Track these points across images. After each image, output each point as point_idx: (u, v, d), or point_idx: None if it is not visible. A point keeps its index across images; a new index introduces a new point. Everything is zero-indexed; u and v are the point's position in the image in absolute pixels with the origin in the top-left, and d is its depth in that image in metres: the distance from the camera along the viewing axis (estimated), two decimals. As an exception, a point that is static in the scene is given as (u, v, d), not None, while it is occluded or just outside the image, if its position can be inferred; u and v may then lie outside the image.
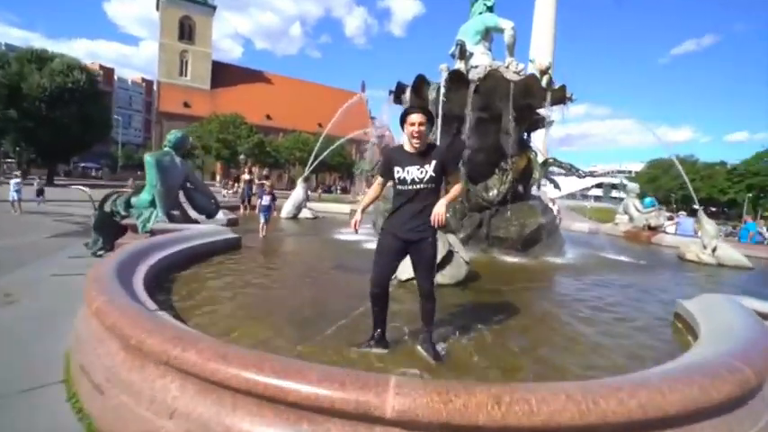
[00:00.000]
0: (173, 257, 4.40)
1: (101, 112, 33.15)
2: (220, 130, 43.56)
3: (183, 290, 3.78)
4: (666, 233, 12.09)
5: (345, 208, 15.24)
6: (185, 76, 66.38)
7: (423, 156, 2.57)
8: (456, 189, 2.69)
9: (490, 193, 7.73)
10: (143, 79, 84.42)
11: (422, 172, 2.55)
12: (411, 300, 3.65)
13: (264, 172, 18.68)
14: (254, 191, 11.87)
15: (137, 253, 3.95)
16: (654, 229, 12.12)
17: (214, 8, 69.21)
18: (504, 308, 3.98)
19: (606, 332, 3.46)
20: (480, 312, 3.76)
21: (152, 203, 6.50)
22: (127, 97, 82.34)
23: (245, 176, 12.21)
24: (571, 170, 7.91)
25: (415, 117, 2.52)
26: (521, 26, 7.80)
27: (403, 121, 2.60)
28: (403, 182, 2.58)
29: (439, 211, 2.47)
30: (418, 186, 2.55)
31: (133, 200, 6.65)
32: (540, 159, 8.13)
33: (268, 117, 68.23)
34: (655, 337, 3.42)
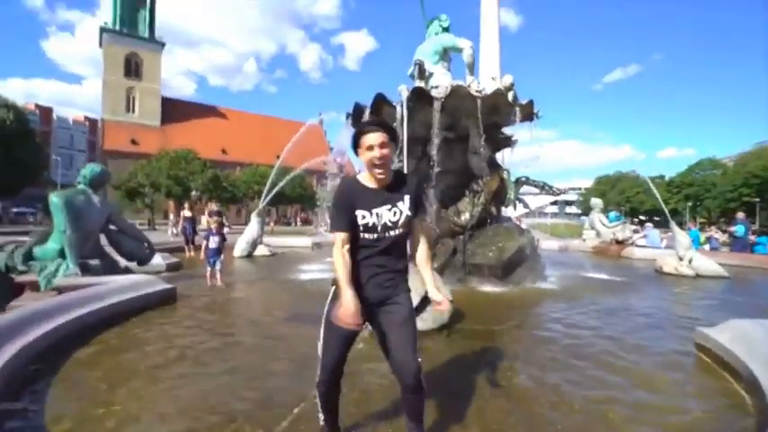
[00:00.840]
0: (67, 327, 3.28)
1: (31, 153, 30.33)
2: (171, 166, 41.18)
3: (66, 381, 2.69)
4: (636, 246, 12.06)
5: (306, 241, 14.21)
6: (132, 112, 63.51)
7: (392, 190, 1.83)
8: (424, 242, 1.93)
9: (462, 217, 7.14)
10: (86, 118, 79.66)
11: (395, 213, 1.81)
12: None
13: (213, 206, 16.95)
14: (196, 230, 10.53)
15: (4, 327, 2.84)
16: (621, 243, 12.08)
17: (162, 45, 67.63)
18: (504, 358, 3.21)
19: (634, 384, 2.76)
20: (476, 367, 2.96)
21: (61, 253, 5.28)
22: (68, 137, 77.00)
23: (186, 213, 10.75)
24: (544, 188, 7.52)
25: (374, 137, 1.75)
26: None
27: (357, 144, 1.82)
28: (371, 229, 1.79)
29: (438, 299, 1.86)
30: (392, 233, 1.81)
31: (36, 250, 5.40)
32: (513, 179, 7.70)
33: (223, 151, 66.26)
34: (691, 385, 2.76)
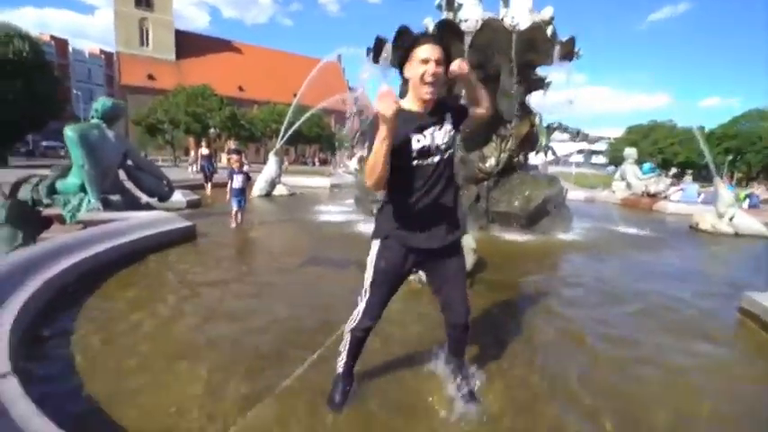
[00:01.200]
0: (88, 262, 3.29)
1: (50, 86, 30.07)
2: (188, 102, 40.55)
3: (92, 311, 2.71)
4: (670, 200, 11.46)
5: (324, 182, 14.09)
6: (147, 46, 61.63)
7: (437, 112, 1.63)
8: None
9: (487, 163, 6.75)
10: (102, 51, 78.03)
11: (444, 134, 1.62)
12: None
13: (232, 144, 16.77)
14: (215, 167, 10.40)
15: (32, 260, 2.84)
16: (653, 196, 11.49)
17: (174, -30, 63.64)
18: (528, 311, 3.08)
19: (668, 346, 2.61)
20: (499, 320, 2.85)
21: (82, 188, 5.27)
22: (85, 70, 76.20)
23: (203, 150, 10.56)
24: (579, 135, 6.97)
25: (431, 50, 1.52)
26: None
27: (407, 56, 1.58)
28: (424, 153, 1.60)
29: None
30: (443, 156, 1.63)
31: (58, 184, 5.40)
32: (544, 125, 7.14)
33: (240, 89, 64.64)
34: (737, 353, 2.59)
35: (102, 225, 4.26)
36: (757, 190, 13.79)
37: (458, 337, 1.88)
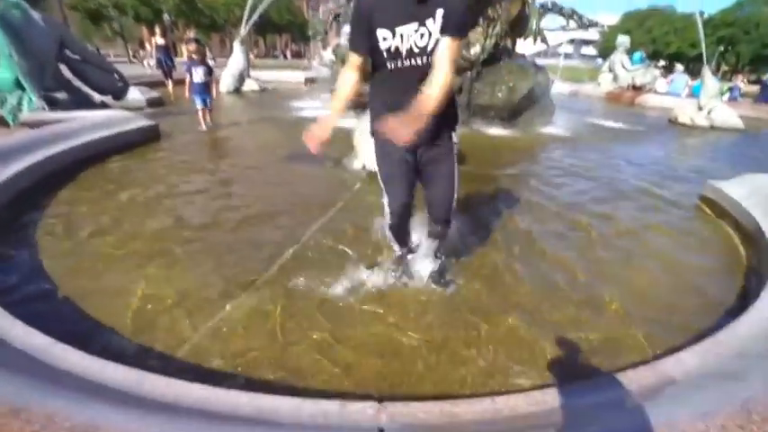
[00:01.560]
0: (42, 166, 3.05)
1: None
2: (133, -19, 34.75)
3: (56, 216, 2.60)
4: (656, 92, 11.17)
5: (299, 76, 13.05)
6: None
7: (420, 4, 1.38)
8: (447, 64, 1.41)
9: (472, 51, 6.21)
10: None
11: (422, 35, 1.40)
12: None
13: (191, 34, 14.88)
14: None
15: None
16: (638, 89, 11.17)
17: None
18: (506, 203, 3.13)
19: (630, 231, 2.75)
20: (477, 213, 2.90)
21: (18, 84, 4.67)
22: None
23: (158, 39, 9.10)
24: (573, 18, 6.36)
25: None
26: None
27: None
28: (394, 55, 1.45)
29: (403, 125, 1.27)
30: (418, 62, 1.45)
31: (-12, 79, 4.75)
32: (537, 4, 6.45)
33: (193, -36, 55.15)
34: (693, 240, 2.74)
35: (50, 126, 3.87)
36: (740, 82, 13.54)
37: (436, 233, 1.91)
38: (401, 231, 1.92)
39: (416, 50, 1.43)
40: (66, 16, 42.05)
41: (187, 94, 5.23)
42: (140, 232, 2.43)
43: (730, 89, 13.05)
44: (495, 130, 5.76)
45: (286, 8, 41.43)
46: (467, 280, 2.05)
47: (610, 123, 7.20)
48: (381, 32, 1.42)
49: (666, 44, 51.56)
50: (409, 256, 2.05)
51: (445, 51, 1.40)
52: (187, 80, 5.18)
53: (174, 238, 2.36)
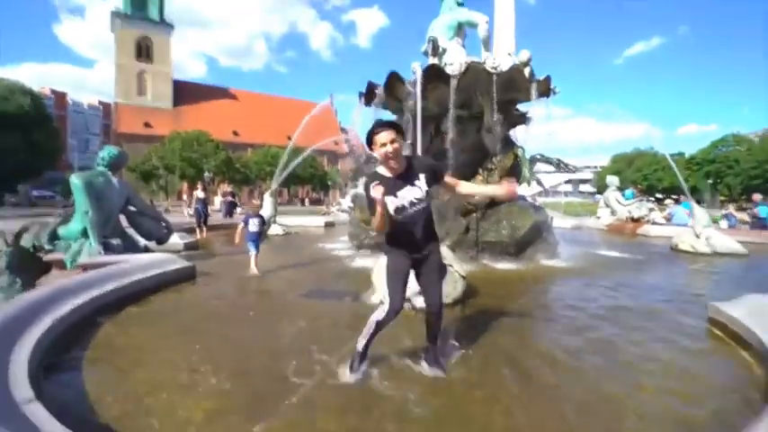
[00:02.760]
0: (93, 303, 3.44)
1: (49, 137, 30.90)
2: (183, 148, 41.62)
3: (99, 346, 2.85)
4: (657, 224, 11.81)
5: (319, 221, 14.35)
6: (145, 95, 63.87)
7: (408, 174, 2.29)
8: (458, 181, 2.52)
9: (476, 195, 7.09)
10: (100, 102, 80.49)
11: (416, 191, 2.28)
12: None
13: (227, 188, 17.19)
14: (214, 208, 10.56)
15: (39, 302, 2.99)
16: (637, 221, 11.88)
17: (172, 27, 67.15)
18: (515, 332, 3.26)
19: (639, 355, 2.80)
20: (488, 340, 3.02)
21: (84, 233, 5.46)
22: (82, 121, 78.13)
23: (199, 193, 10.73)
24: (559, 165, 7.40)
25: (385, 135, 2.20)
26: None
27: (370, 142, 2.27)
28: (401, 209, 2.28)
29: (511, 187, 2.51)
30: (417, 207, 2.30)
31: (60, 230, 5.60)
32: (527, 157, 7.57)
33: (235, 133, 66.47)
34: (703, 358, 2.77)
35: (102, 268, 4.41)
36: (733, 210, 14.28)
37: (432, 322, 2.44)
38: (380, 329, 2.35)
39: (415, 201, 2.28)
40: (122, 176, 49.01)
41: (237, 239, 5.69)
42: (169, 366, 2.63)
43: (725, 216, 13.70)
44: (503, 265, 6.12)
45: (309, 163, 47.65)
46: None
47: (613, 253, 7.54)
48: (389, 199, 2.21)
49: (658, 180, 55.63)
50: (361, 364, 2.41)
51: (449, 179, 2.45)
52: (240, 228, 5.66)
53: (197, 366, 2.53)
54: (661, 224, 12.00)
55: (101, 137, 76.20)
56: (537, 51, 6.74)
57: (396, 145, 2.18)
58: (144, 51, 63.93)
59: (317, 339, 3.01)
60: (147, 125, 60.47)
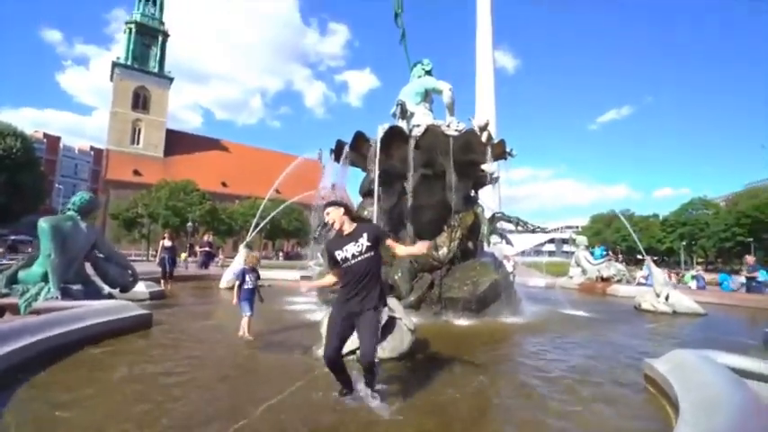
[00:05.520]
0: (33, 348, 3.41)
1: (34, 181, 30.86)
2: (170, 197, 41.69)
3: (24, 402, 2.81)
4: (627, 283, 12.11)
5: (295, 275, 14.27)
6: (137, 144, 65.01)
7: (355, 233, 2.91)
8: (422, 244, 3.27)
9: (440, 252, 7.33)
10: (91, 147, 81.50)
11: (358, 246, 2.85)
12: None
13: (207, 237, 17.10)
14: (186, 258, 10.40)
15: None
16: (607, 280, 12.17)
17: (171, 80, 70.35)
18: (450, 384, 3.32)
19: (569, 404, 2.89)
20: (420, 392, 3.07)
21: (44, 277, 5.45)
22: (72, 166, 78.50)
23: (166, 242, 10.20)
24: (519, 224, 7.78)
25: (329, 211, 3.02)
26: (467, 98, 8.07)
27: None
28: (345, 260, 2.86)
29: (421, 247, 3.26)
30: (359, 258, 2.84)
31: (21, 274, 5.59)
32: (488, 215, 7.96)
33: (224, 184, 67.14)
34: (628, 411, 2.88)
35: (51, 313, 4.37)
36: (702, 272, 14.77)
37: (365, 370, 2.79)
38: (337, 371, 2.82)
39: (356, 254, 2.84)
40: (105, 223, 48.34)
41: (235, 300, 4.86)
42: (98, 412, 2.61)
43: (695, 278, 14.12)
44: (463, 321, 6.20)
45: (295, 218, 47.87)
46: None
47: (576, 312, 7.68)
48: (336, 252, 2.89)
49: (635, 241, 57.29)
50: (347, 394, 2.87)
51: (389, 242, 3.05)
52: (237, 285, 4.94)
53: (131, 414, 2.53)
54: (630, 285, 12.30)
55: (89, 182, 76.23)
56: (516, 117, 7.45)
57: (332, 216, 2.99)
58: (141, 101, 66.05)
59: (249, 391, 3.02)
60: (136, 173, 60.86)
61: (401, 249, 3.19)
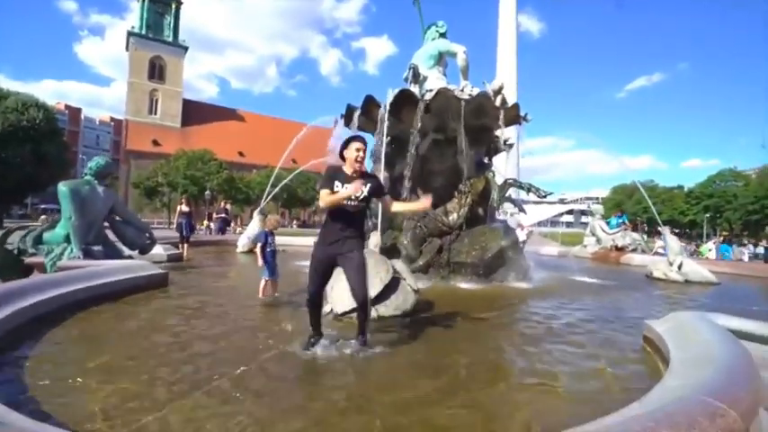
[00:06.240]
0: (57, 301, 3.65)
1: (58, 151, 31.77)
2: (188, 166, 42.46)
3: (56, 341, 3.04)
4: (643, 252, 11.93)
5: (309, 241, 14.55)
6: (155, 114, 65.66)
7: (360, 180, 2.90)
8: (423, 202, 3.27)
9: (450, 217, 7.31)
10: (111, 118, 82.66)
11: (358, 191, 2.86)
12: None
13: (225, 204, 17.49)
14: (208, 225, 10.67)
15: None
16: (621, 250, 12.00)
17: (186, 49, 69.79)
18: (446, 339, 3.42)
19: (563, 362, 2.94)
20: (419, 348, 3.18)
21: (67, 239, 5.73)
22: (94, 137, 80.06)
23: (183, 207, 10.39)
24: (531, 190, 7.64)
25: (360, 143, 2.99)
26: (487, 68, 7.77)
27: (345, 147, 3.02)
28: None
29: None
30: (353, 203, 2.88)
31: (45, 235, 5.87)
32: (500, 181, 7.84)
33: (241, 154, 67.69)
34: (621, 367, 2.92)
35: (74, 270, 4.63)
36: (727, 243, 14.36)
37: (360, 308, 2.91)
38: (314, 307, 3.01)
39: (353, 198, 2.86)
40: (127, 192, 49.79)
41: (260, 261, 4.84)
42: (110, 357, 2.82)
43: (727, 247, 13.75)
44: (470, 285, 6.26)
45: (312, 186, 48.23)
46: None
47: (586, 279, 7.65)
48: (337, 184, 2.88)
49: (658, 212, 55.79)
50: (315, 339, 2.99)
51: (387, 198, 3.21)
52: (260, 246, 4.90)
53: (152, 352, 2.72)
54: (646, 254, 12.10)
55: (111, 152, 77.97)
56: (540, 81, 7.20)
57: (363, 154, 2.99)
58: (157, 71, 66.14)
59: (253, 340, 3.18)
60: (155, 143, 61.87)
61: (399, 206, 3.31)
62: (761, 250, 12.88)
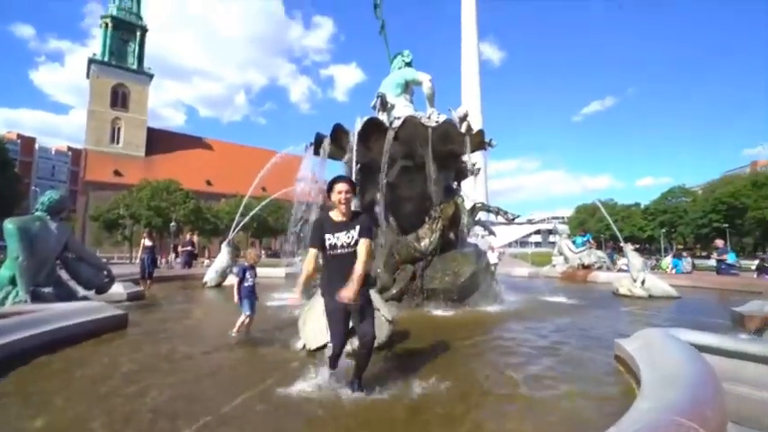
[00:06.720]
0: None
1: (10, 184, 29.91)
2: (152, 197, 40.91)
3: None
4: (608, 269, 12.37)
5: (280, 272, 14.14)
6: (117, 143, 63.46)
7: (349, 224, 2.83)
8: (363, 251, 2.77)
9: (422, 243, 7.34)
10: (69, 148, 79.25)
11: (348, 237, 2.79)
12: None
13: (189, 236, 16.82)
14: (169, 259, 10.19)
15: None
16: (588, 267, 12.40)
17: (151, 76, 68.67)
18: (427, 370, 3.34)
19: (542, 386, 2.94)
20: (397, 379, 3.09)
21: (12, 281, 5.27)
22: (49, 167, 76.25)
23: (146, 242, 10.06)
24: (499, 213, 7.84)
25: (342, 185, 2.83)
26: (452, 95, 8.08)
27: (330, 189, 2.89)
28: (333, 247, 2.81)
29: (348, 292, 2.57)
30: (347, 250, 2.79)
31: (-13, 278, 5.37)
32: (469, 205, 8.01)
33: (208, 183, 66.21)
34: (597, 388, 2.94)
35: (15, 316, 4.22)
36: (687, 256, 15.19)
37: (360, 356, 2.80)
38: (335, 358, 2.93)
39: (344, 244, 2.79)
40: (85, 225, 47.16)
41: (236, 298, 4.74)
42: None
43: (678, 260, 14.50)
44: (443, 311, 6.23)
45: (283, 215, 47.45)
46: None
47: (556, 299, 7.81)
48: (327, 236, 2.81)
49: (619, 230, 58.78)
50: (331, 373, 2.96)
51: (362, 247, 2.75)
52: (236, 282, 4.81)
53: (107, 407, 2.48)
54: (611, 270, 12.57)
55: (68, 184, 74.17)
56: (502, 109, 7.50)
57: (348, 195, 2.83)
58: (120, 99, 64.36)
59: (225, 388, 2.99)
60: (117, 173, 59.51)
61: (360, 257, 2.75)
62: (712, 262, 13.74)
